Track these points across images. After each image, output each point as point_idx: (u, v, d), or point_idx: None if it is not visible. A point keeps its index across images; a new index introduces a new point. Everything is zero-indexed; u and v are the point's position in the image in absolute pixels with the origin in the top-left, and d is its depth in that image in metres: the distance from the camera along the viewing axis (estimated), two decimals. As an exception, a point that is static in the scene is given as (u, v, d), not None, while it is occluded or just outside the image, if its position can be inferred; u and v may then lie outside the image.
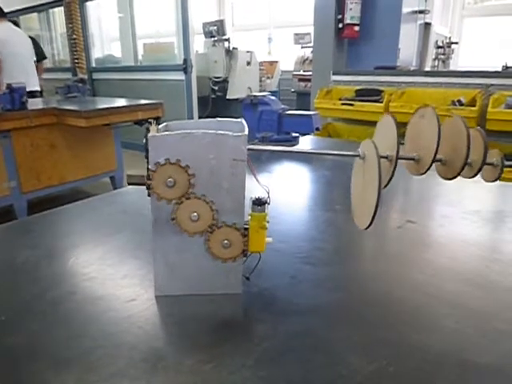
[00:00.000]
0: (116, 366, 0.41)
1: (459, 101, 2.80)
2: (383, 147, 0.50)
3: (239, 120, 0.53)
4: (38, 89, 4.27)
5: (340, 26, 3.93)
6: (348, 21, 3.88)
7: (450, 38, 5.77)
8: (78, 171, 3.27)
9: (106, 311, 0.50)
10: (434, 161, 0.48)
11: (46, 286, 0.56)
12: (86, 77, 5.47)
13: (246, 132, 0.47)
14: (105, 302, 0.52)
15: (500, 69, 3.60)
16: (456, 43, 5.82)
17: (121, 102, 3.54)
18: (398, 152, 0.46)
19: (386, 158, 0.52)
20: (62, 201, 0.90)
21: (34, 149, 2.93)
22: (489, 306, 0.52)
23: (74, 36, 6.06)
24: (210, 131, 0.46)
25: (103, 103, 3.50)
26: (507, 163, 0.54)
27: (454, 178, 0.51)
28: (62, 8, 6.22)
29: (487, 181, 0.55)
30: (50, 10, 6.99)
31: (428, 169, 0.50)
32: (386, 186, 0.48)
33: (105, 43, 6.82)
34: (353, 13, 3.85)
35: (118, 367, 0.41)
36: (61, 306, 0.51)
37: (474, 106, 2.71)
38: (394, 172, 0.47)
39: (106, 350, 0.43)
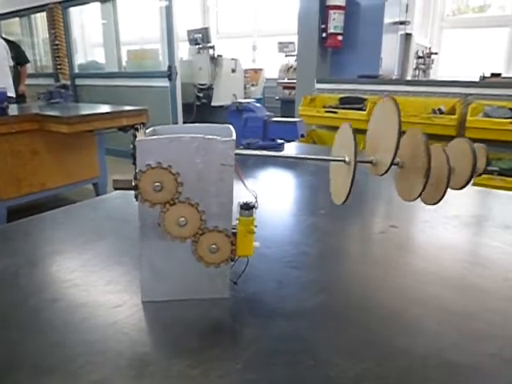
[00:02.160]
0: (100, 373, 0.40)
1: (439, 109, 2.87)
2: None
3: (227, 125, 0.53)
4: (13, 95, 4.17)
5: (323, 35, 4.00)
6: (331, 30, 3.95)
7: (429, 48, 5.93)
8: (60, 178, 3.21)
9: (89, 318, 0.49)
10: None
11: (27, 294, 0.54)
12: (68, 83, 5.41)
13: (234, 137, 0.47)
14: (89, 309, 0.51)
15: (478, 79, 3.71)
16: (436, 53, 5.99)
17: (104, 108, 3.51)
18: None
19: (371, 162, 0.53)
20: (43, 208, 0.88)
21: (15, 155, 2.87)
22: (469, 307, 0.53)
23: (57, 42, 5.99)
24: (197, 135, 0.46)
25: (86, 109, 3.47)
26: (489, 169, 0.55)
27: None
28: (44, 13, 6.15)
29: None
30: (32, 16, 6.89)
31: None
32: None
33: (88, 49, 6.76)
34: (336, 22, 3.92)
35: (103, 375, 0.40)
36: (42, 314, 0.50)
37: (453, 114, 2.79)
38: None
39: (89, 357, 0.43)
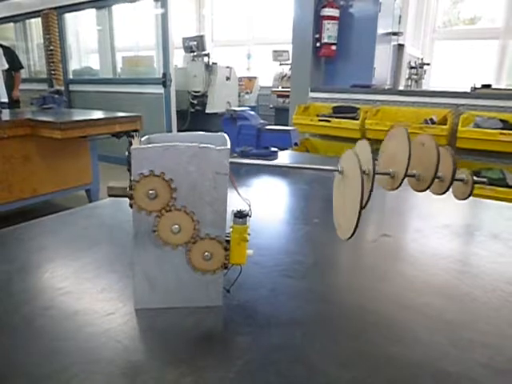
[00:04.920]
0: (93, 382, 0.40)
1: (431, 119, 2.91)
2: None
3: (222, 134, 0.54)
4: (6, 100, 4.15)
5: (317, 44, 4.04)
6: (325, 40, 4.00)
7: (422, 59, 6.01)
8: (52, 184, 3.19)
9: (82, 326, 0.49)
10: (405, 175, 0.51)
11: (18, 302, 0.54)
12: (62, 88, 5.40)
13: (229, 146, 0.48)
14: (81, 317, 0.51)
15: (469, 90, 3.77)
16: (428, 64, 6.07)
17: (98, 115, 3.50)
18: (374, 167, 0.48)
19: (364, 172, 0.54)
20: (34, 214, 0.88)
21: (7, 160, 2.85)
22: (460, 316, 0.54)
23: (51, 47, 5.98)
24: (192, 144, 0.46)
25: (80, 115, 3.46)
26: (477, 179, 0.56)
27: (426, 189, 0.54)
28: (39, 19, 6.14)
29: (459, 198, 0.57)
30: (27, 21, 6.88)
31: (401, 183, 0.53)
32: (366, 202, 0.50)
33: (83, 55, 6.76)
34: (330, 32, 3.97)
35: (95, 383, 0.40)
36: (35, 322, 0.50)
37: (445, 124, 2.83)
38: (372, 187, 0.49)
39: (82, 366, 0.42)
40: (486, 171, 2.69)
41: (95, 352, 0.44)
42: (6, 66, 4.38)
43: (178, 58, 6.01)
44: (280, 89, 6.39)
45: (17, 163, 2.92)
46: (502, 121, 2.68)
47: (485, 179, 0.64)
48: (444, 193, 0.55)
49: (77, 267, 0.64)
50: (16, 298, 0.55)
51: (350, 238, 0.50)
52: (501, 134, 2.55)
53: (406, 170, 0.50)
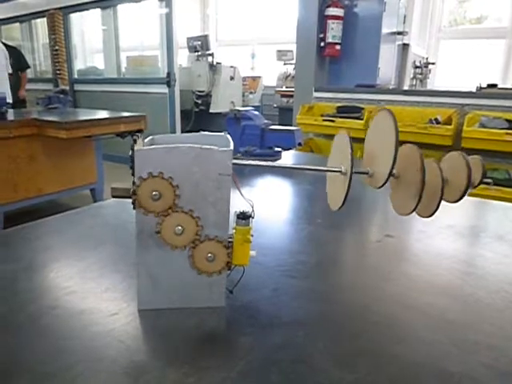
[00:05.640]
0: (96, 380, 0.41)
1: (436, 119, 2.90)
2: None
3: (225, 134, 0.54)
4: (10, 101, 4.16)
5: (322, 44, 4.03)
6: (329, 40, 3.99)
7: (427, 58, 5.98)
8: (57, 183, 3.21)
9: (86, 325, 0.49)
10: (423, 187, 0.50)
11: (24, 301, 0.55)
12: (67, 88, 5.42)
13: (232, 147, 0.48)
14: (86, 316, 0.51)
15: (474, 89, 3.74)
16: (433, 64, 6.04)
17: (103, 114, 3.52)
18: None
19: (367, 173, 0.54)
20: (40, 213, 0.88)
21: (12, 160, 2.87)
22: (463, 317, 0.54)
23: (57, 47, 6.01)
24: (195, 145, 0.47)
25: (85, 115, 3.47)
26: (485, 181, 0.56)
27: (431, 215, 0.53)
28: (44, 19, 6.18)
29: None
30: (33, 21, 6.93)
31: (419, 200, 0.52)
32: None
33: (88, 55, 6.79)
34: (334, 32, 3.96)
35: (99, 382, 0.41)
36: (40, 321, 0.50)
37: (449, 124, 2.81)
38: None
39: (86, 364, 0.43)
40: (492, 172, 2.67)
41: (99, 351, 0.45)
42: (10, 71, 4.39)
43: (183, 57, 6.02)
44: (284, 88, 6.39)
45: (22, 163, 2.93)
46: (507, 121, 2.66)
47: (490, 180, 0.63)
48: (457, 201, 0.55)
49: (81, 267, 0.64)
50: (22, 296, 0.56)
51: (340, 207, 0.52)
52: (507, 134, 2.53)
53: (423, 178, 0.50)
